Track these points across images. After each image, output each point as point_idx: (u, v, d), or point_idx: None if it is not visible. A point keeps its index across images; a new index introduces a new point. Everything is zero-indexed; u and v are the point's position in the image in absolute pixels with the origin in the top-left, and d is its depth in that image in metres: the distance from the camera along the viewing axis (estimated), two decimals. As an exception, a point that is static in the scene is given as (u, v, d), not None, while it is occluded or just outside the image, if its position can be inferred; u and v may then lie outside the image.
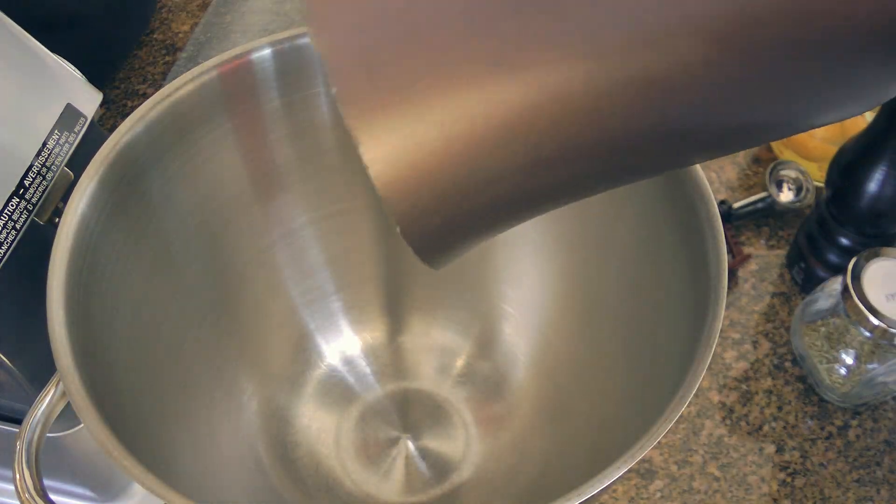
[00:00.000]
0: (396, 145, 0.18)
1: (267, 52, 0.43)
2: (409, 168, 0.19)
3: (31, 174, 0.40)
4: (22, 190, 0.39)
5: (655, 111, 0.19)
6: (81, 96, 0.43)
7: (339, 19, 0.18)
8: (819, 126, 0.22)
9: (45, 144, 0.40)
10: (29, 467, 0.35)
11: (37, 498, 0.34)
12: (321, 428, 0.50)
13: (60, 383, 0.36)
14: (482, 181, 0.20)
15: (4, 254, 0.39)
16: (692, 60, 0.18)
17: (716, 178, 0.62)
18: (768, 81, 0.19)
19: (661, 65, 0.18)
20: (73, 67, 0.44)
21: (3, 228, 0.38)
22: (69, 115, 0.42)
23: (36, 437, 0.36)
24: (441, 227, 0.21)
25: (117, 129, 0.40)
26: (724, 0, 0.17)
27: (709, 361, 0.34)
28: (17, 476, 0.35)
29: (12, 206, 0.39)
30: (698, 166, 0.39)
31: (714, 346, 0.35)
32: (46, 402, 0.36)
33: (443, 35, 0.18)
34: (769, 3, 0.17)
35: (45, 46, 0.42)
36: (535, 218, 0.52)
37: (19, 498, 0.35)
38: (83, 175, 0.39)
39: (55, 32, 0.47)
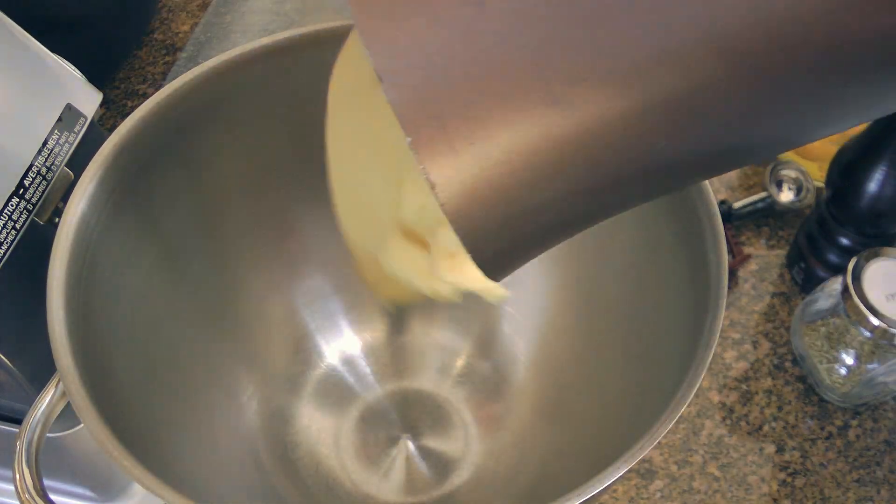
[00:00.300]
0: (466, 183, 0.20)
1: (267, 52, 0.43)
2: (478, 202, 0.21)
3: (31, 174, 0.40)
4: (22, 190, 0.39)
5: (696, 131, 0.21)
6: (81, 96, 0.43)
7: (406, 69, 0.20)
8: (831, 135, 0.23)
9: (45, 144, 0.41)
10: (29, 467, 0.35)
11: (37, 498, 0.34)
12: (321, 428, 0.50)
13: (60, 383, 0.36)
14: (542, 206, 0.22)
15: (4, 254, 0.39)
16: (723, 80, 0.20)
17: (716, 178, 0.62)
18: (791, 97, 0.20)
19: (696, 86, 0.20)
20: (73, 67, 0.44)
21: (3, 228, 0.39)
22: (69, 115, 0.42)
23: (36, 437, 0.36)
24: (504, 248, 0.23)
25: (117, 129, 0.40)
26: (750, 24, 0.19)
27: (709, 361, 0.34)
28: (17, 476, 0.35)
29: (12, 206, 0.39)
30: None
31: (714, 346, 0.35)
32: (46, 402, 0.36)
33: (503, 78, 0.20)
34: (789, 26, 0.19)
35: (45, 47, 0.42)
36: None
37: (19, 498, 0.35)
38: (83, 175, 0.39)
39: (55, 33, 0.47)
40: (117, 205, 0.40)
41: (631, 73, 0.20)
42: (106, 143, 0.39)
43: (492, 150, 0.20)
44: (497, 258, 0.23)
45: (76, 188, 0.38)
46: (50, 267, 0.36)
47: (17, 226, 0.39)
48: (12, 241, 0.39)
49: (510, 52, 0.20)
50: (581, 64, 0.20)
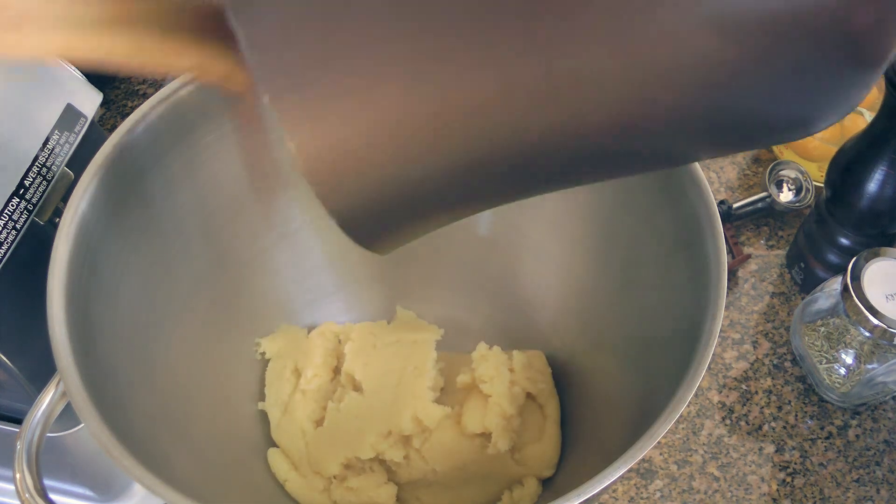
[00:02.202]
0: (322, 142, 0.22)
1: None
2: (334, 161, 0.22)
3: (31, 174, 0.40)
4: (22, 190, 0.39)
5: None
6: (81, 96, 0.43)
7: (269, 39, 0.21)
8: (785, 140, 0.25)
9: (45, 144, 0.41)
10: (29, 467, 0.35)
11: (37, 498, 0.35)
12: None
13: (60, 383, 0.36)
14: (408, 177, 0.22)
15: (4, 254, 0.39)
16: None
17: (716, 178, 0.62)
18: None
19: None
20: (74, 67, 0.44)
21: (3, 228, 0.39)
22: (69, 115, 0.42)
23: (36, 437, 0.36)
24: (369, 211, 0.23)
25: (117, 129, 0.40)
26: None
27: (709, 361, 0.34)
28: (18, 476, 0.35)
29: (12, 206, 0.39)
30: (698, 167, 0.39)
31: (714, 346, 0.35)
32: (46, 402, 0.36)
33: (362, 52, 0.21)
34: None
35: (46, 46, 0.42)
36: (536, 219, 0.51)
37: (19, 498, 0.35)
38: (83, 175, 0.39)
39: (55, 32, 0.47)
40: (117, 205, 0.40)
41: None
42: (106, 143, 0.39)
43: (345, 113, 0.21)
44: (362, 221, 0.24)
45: (76, 188, 0.38)
46: (50, 267, 0.36)
47: (18, 226, 0.39)
48: (12, 241, 0.39)
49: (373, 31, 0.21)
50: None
